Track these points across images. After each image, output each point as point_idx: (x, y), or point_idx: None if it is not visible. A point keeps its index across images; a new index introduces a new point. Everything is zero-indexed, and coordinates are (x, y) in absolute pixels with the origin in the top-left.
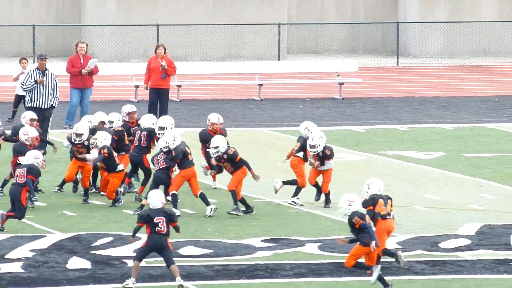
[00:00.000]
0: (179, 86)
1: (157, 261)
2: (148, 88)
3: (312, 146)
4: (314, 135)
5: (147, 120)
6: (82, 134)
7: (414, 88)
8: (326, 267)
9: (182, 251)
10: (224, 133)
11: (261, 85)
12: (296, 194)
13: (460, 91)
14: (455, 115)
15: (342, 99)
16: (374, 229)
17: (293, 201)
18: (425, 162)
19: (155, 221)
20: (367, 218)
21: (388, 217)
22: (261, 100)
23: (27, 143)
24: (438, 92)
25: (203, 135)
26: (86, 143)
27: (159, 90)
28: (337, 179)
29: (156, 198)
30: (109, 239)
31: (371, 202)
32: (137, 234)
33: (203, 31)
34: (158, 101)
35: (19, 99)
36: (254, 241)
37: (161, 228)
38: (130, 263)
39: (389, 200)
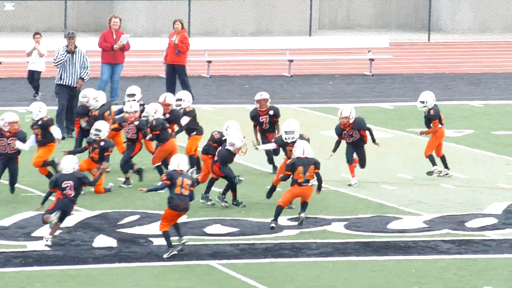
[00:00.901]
0: (209, 62)
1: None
2: (165, 63)
3: (290, 132)
4: (290, 121)
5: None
6: (101, 130)
7: (444, 64)
8: (352, 246)
9: (208, 229)
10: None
11: (291, 61)
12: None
13: (491, 67)
14: (485, 92)
15: (372, 75)
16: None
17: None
18: (453, 140)
19: (62, 186)
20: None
21: (304, 184)
22: (291, 76)
23: (4, 128)
24: (468, 69)
25: (251, 113)
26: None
27: (174, 66)
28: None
29: (67, 163)
30: (136, 217)
31: (290, 168)
32: None
33: (233, 6)
34: (175, 76)
35: (32, 74)
36: (280, 220)
37: (68, 192)
38: (156, 241)
39: (311, 167)
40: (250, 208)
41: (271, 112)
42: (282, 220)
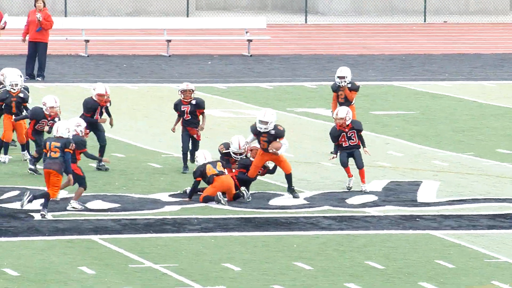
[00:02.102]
0: (87, 41)
1: (63, 215)
2: (26, 41)
3: (264, 122)
4: (266, 110)
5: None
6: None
7: (322, 45)
8: (234, 222)
9: (89, 205)
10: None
11: (169, 41)
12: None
13: (368, 49)
14: (362, 73)
15: (251, 56)
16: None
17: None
18: (333, 119)
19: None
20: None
21: (221, 173)
22: (169, 56)
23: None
24: (346, 50)
25: (175, 103)
26: None
27: (36, 43)
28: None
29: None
30: (16, 192)
31: (198, 174)
32: None
33: None
34: (36, 54)
35: None
36: (161, 196)
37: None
38: (37, 216)
39: (218, 163)
40: (132, 185)
41: (193, 102)
42: (164, 196)
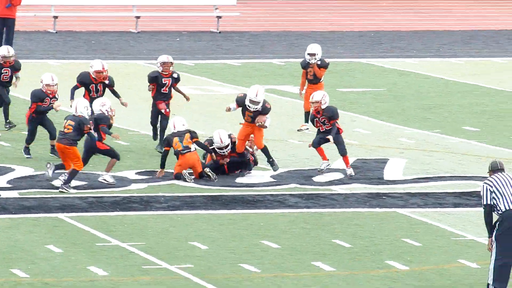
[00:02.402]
0: (55, 17)
1: (30, 193)
2: None
3: (255, 103)
4: (258, 89)
5: None
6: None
7: (291, 22)
8: (201, 200)
9: (56, 183)
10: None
11: (138, 17)
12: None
13: (337, 26)
14: (331, 50)
15: (220, 32)
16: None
17: None
18: (299, 97)
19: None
20: None
21: (185, 151)
22: (138, 32)
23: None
24: (315, 27)
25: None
26: None
27: (5, 19)
28: (212, 114)
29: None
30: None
31: (166, 143)
32: None
33: None
34: (4, 30)
35: None
36: (128, 174)
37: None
38: (4, 194)
39: (186, 135)
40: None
41: (175, 75)
42: (131, 174)
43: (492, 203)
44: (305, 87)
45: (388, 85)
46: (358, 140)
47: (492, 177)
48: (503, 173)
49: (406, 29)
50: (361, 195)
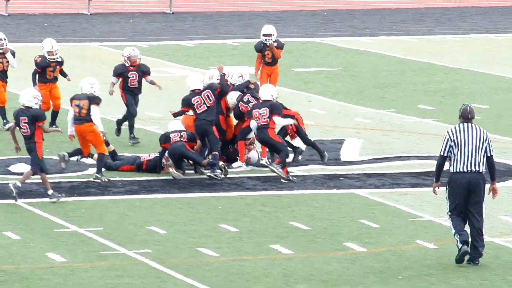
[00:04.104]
0: (7, 0)
1: None
2: None
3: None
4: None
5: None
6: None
7: (243, 2)
8: (158, 183)
9: (12, 168)
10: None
11: None
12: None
13: (290, 5)
14: (284, 30)
15: (172, 13)
16: None
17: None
18: (253, 77)
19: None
20: None
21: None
22: (91, 14)
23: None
24: (268, 6)
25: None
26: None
27: None
28: (168, 94)
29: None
30: None
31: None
32: None
33: None
34: None
35: None
36: (85, 159)
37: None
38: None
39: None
40: (56, 147)
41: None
42: (88, 159)
43: (447, 155)
44: (259, 71)
45: (342, 64)
46: (314, 121)
47: (458, 128)
48: (470, 125)
49: (358, 8)
50: (318, 177)
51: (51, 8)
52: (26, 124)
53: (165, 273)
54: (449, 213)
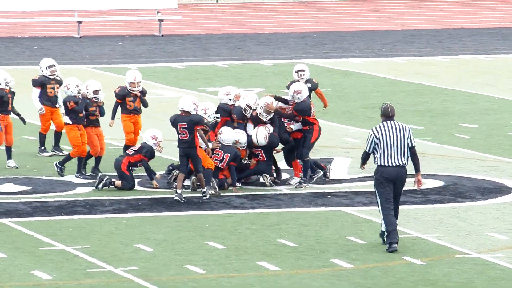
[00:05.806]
0: None
1: None
2: None
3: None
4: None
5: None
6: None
7: (233, 25)
8: (146, 202)
9: (0, 188)
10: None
11: (80, 22)
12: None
13: (280, 27)
14: (275, 52)
15: (162, 36)
16: None
17: None
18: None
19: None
20: None
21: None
22: (80, 37)
23: None
24: (258, 29)
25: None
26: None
27: None
28: (157, 117)
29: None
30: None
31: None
32: None
33: None
34: None
35: None
36: (73, 178)
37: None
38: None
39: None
40: (43, 167)
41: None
42: (75, 178)
43: (372, 152)
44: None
45: (332, 85)
46: None
47: (382, 126)
48: (392, 122)
49: (347, 30)
50: (306, 195)
51: (41, 32)
52: (185, 130)
53: None
54: (380, 207)
